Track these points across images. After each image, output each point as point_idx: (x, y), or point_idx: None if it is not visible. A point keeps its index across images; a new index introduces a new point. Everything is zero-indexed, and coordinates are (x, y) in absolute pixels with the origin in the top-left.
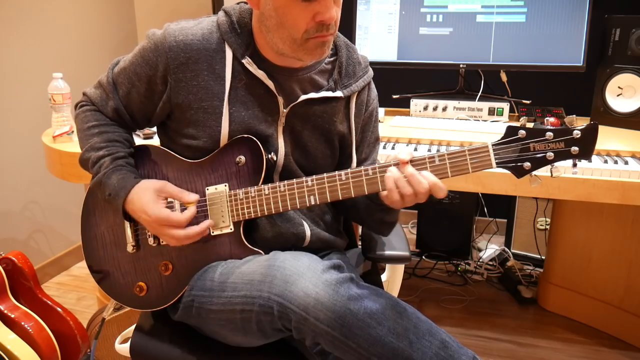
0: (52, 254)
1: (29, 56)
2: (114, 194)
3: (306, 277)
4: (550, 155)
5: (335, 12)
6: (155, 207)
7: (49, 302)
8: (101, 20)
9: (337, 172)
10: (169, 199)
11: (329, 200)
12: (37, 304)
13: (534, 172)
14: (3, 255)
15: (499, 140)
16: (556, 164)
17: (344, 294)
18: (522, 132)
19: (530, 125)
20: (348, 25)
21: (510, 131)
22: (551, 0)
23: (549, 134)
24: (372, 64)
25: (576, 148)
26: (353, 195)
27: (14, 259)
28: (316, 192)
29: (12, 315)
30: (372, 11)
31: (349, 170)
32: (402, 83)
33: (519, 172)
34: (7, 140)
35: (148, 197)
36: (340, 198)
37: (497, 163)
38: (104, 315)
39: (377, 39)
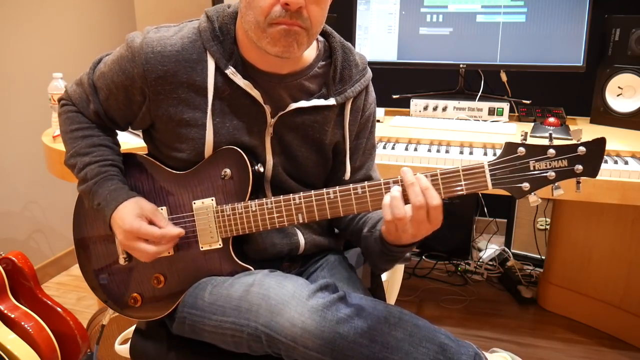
0: (52, 254)
1: (29, 56)
2: (104, 204)
3: (291, 306)
4: (551, 175)
5: (311, 8)
6: (132, 218)
7: (49, 302)
8: (101, 20)
9: (325, 190)
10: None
11: (317, 219)
12: (37, 304)
13: (533, 193)
14: (3, 255)
15: (496, 159)
16: (558, 183)
17: (332, 319)
18: (521, 150)
19: (530, 125)
20: (348, 25)
21: (509, 148)
22: (551, 0)
23: (551, 152)
24: (372, 64)
25: (580, 167)
26: (342, 214)
27: (14, 259)
28: (304, 210)
29: (12, 315)
30: (372, 11)
31: (337, 188)
32: (402, 83)
33: (517, 193)
34: (7, 140)
35: (132, 209)
36: (329, 217)
37: (493, 184)
38: (103, 322)
39: (377, 39)
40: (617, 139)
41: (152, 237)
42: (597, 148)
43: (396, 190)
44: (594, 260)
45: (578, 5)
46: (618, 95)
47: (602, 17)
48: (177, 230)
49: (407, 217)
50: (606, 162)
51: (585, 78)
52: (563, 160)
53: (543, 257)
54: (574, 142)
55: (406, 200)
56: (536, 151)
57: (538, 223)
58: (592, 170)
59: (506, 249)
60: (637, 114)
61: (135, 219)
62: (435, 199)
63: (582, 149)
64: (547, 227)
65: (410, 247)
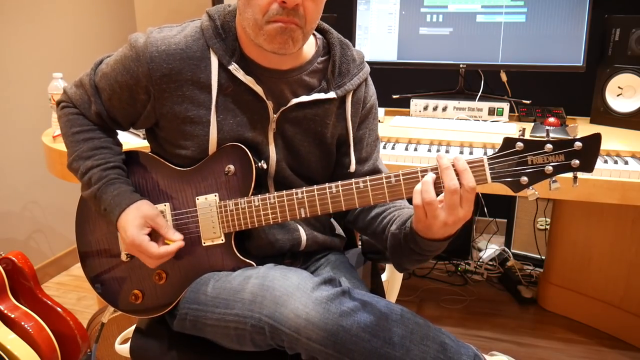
0: (52, 254)
1: (29, 56)
2: (110, 209)
3: (295, 297)
4: (548, 169)
5: (307, 5)
6: (135, 230)
7: (49, 302)
8: (101, 20)
9: (327, 185)
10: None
11: (319, 213)
12: (37, 304)
13: (531, 186)
14: (3, 255)
15: (495, 154)
16: (555, 177)
17: (335, 311)
18: (519, 145)
19: (530, 125)
20: (348, 25)
21: (507, 143)
22: (551, 0)
23: (548, 147)
24: (372, 63)
25: (577, 161)
26: (344, 209)
27: (14, 259)
28: (306, 204)
29: (12, 315)
30: (372, 11)
31: (339, 182)
32: (402, 83)
33: (516, 187)
34: (7, 140)
35: (134, 218)
36: (331, 211)
37: (492, 178)
38: (103, 320)
39: (377, 39)
40: (617, 139)
41: (150, 255)
42: (593, 143)
43: (429, 176)
44: (594, 260)
45: (578, 5)
46: (618, 95)
47: (602, 17)
48: (176, 245)
49: (436, 202)
50: (606, 162)
51: (585, 78)
52: (560, 155)
53: (543, 257)
54: (570, 137)
55: (437, 188)
56: (534, 146)
57: (538, 223)
58: (588, 164)
59: (506, 249)
60: (637, 114)
61: (137, 231)
62: (472, 182)
63: (578, 144)
64: (547, 227)
65: (440, 245)
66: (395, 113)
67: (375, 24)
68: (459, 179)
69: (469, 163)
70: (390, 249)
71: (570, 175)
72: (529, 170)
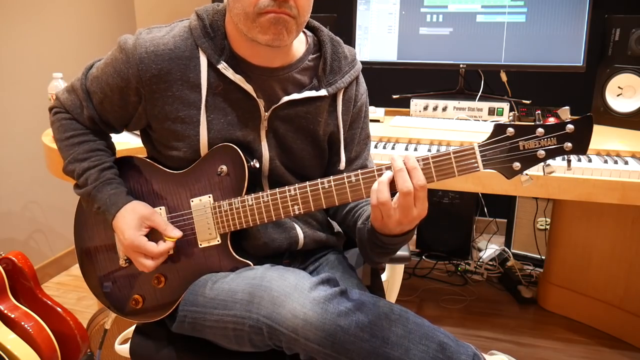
0: (52, 254)
1: (29, 56)
2: (104, 208)
3: (293, 297)
4: (541, 153)
5: None
6: (133, 232)
7: (49, 302)
8: (101, 20)
9: (319, 180)
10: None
11: (313, 210)
12: (37, 304)
13: (525, 172)
14: (3, 255)
15: (485, 141)
16: (549, 161)
17: (333, 311)
18: (510, 130)
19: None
20: (348, 25)
21: (498, 130)
22: (551, 0)
23: (540, 131)
24: (372, 63)
25: (569, 144)
26: (337, 204)
27: (14, 259)
28: (299, 201)
29: (12, 315)
30: (372, 11)
31: (331, 177)
32: (402, 83)
33: (509, 173)
34: (7, 140)
35: (131, 220)
36: (325, 207)
37: (484, 165)
38: (106, 326)
39: (377, 39)
40: (617, 139)
41: (151, 254)
42: (585, 125)
43: (386, 175)
44: (594, 260)
45: (578, 5)
46: (618, 95)
47: (602, 17)
48: (169, 245)
49: (390, 202)
50: (606, 162)
51: (585, 78)
52: (552, 139)
53: (543, 257)
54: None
55: (394, 187)
56: (525, 131)
57: (538, 223)
58: (581, 147)
59: (506, 249)
60: (637, 114)
61: (134, 233)
62: (421, 180)
63: (570, 126)
64: (547, 227)
65: (401, 239)
66: (395, 113)
67: (375, 24)
68: (410, 178)
69: (459, 151)
70: (358, 243)
71: (564, 159)
72: (521, 155)
